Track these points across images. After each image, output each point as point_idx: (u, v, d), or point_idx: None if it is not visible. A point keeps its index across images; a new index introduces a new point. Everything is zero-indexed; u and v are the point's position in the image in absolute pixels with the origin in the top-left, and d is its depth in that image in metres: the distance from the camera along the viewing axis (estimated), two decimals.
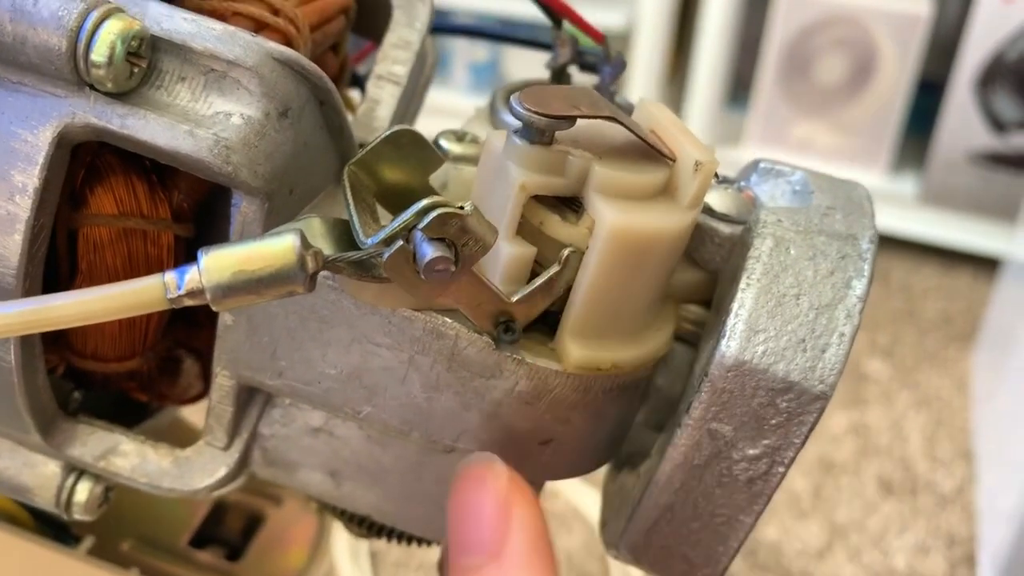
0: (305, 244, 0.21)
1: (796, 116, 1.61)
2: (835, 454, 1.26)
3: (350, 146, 0.27)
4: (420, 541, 0.31)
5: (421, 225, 0.21)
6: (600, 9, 1.54)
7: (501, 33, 0.35)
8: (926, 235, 1.60)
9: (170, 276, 0.20)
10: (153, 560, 0.37)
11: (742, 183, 0.28)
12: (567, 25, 0.32)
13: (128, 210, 0.25)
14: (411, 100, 0.32)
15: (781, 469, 0.25)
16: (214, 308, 0.20)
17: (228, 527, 0.40)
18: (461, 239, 0.21)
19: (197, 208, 0.26)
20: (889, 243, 1.65)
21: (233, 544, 0.39)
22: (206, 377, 0.31)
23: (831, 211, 0.26)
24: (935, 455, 1.28)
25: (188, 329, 0.30)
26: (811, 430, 0.24)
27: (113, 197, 0.25)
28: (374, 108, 0.30)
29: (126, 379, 0.28)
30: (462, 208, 0.21)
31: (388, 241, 0.21)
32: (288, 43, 0.26)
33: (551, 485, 1.17)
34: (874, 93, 1.56)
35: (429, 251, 0.21)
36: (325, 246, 0.22)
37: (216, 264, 0.20)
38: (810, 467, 1.23)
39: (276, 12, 0.26)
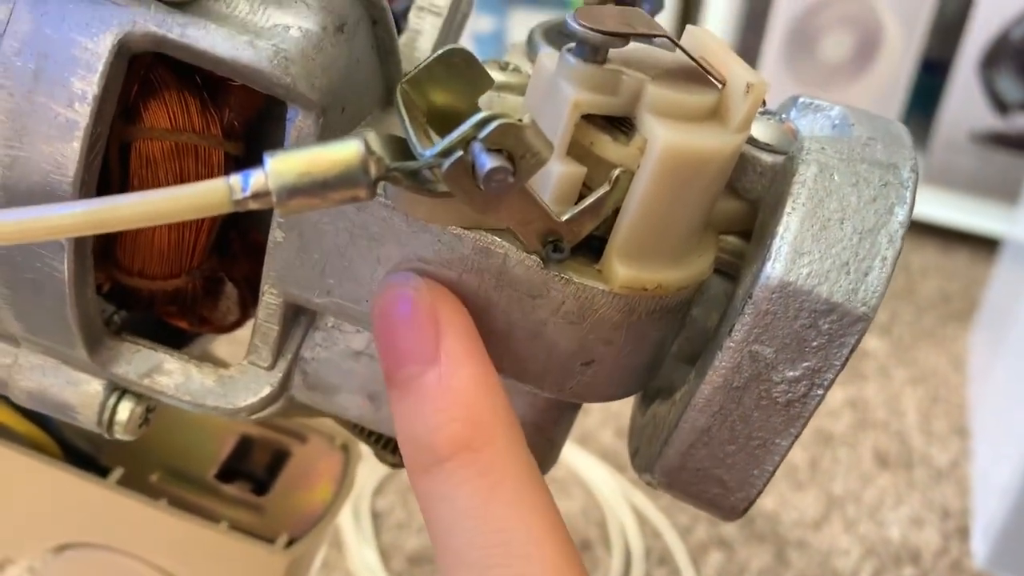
0: (368, 150, 0.21)
1: (801, 91, 1.61)
2: (832, 427, 1.27)
3: (397, 71, 0.27)
4: None
5: (480, 136, 0.21)
6: None
7: None
8: (927, 214, 1.61)
9: (235, 179, 0.21)
10: (181, 491, 0.38)
11: (782, 115, 0.29)
12: None
13: (181, 125, 0.25)
14: (449, 33, 0.32)
15: (820, 391, 0.25)
16: (278, 210, 0.21)
17: (254, 462, 0.40)
18: (519, 151, 0.21)
19: (245, 128, 0.27)
20: None
21: (259, 479, 0.40)
22: (243, 305, 0.31)
23: (872, 141, 0.26)
24: (931, 430, 1.29)
25: (224, 260, 0.30)
26: (851, 352, 0.25)
27: (167, 112, 0.25)
28: (415, 39, 0.30)
29: (169, 300, 0.28)
30: (520, 120, 0.21)
31: (446, 152, 0.22)
32: None
33: None
34: (878, 71, 1.56)
35: (488, 161, 0.21)
36: (384, 157, 0.22)
37: (282, 166, 0.20)
38: (807, 440, 1.24)
39: None
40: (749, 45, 1.68)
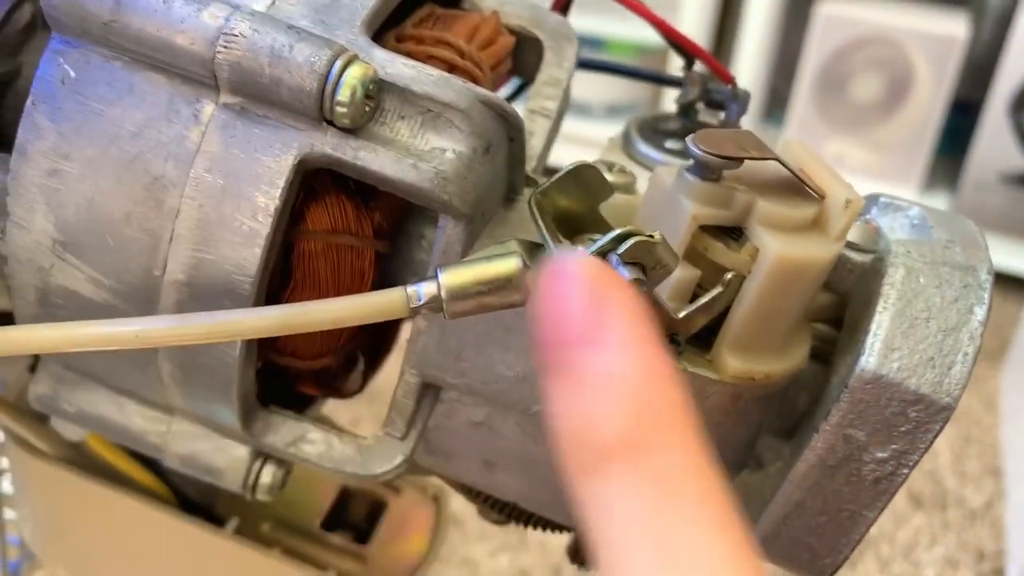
0: (525, 265, 0.24)
1: (831, 133, 1.64)
2: None
3: (518, 175, 0.31)
4: (556, 528, 0.35)
5: (620, 250, 0.24)
6: (638, 25, 1.57)
7: (635, 71, 0.39)
8: None
9: (411, 289, 0.24)
10: (291, 540, 0.41)
11: (866, 216, 0.32)
12: (698, 65, 0.36)
13: (339, 227, 0.28)
14: (555, 132, 0.35)
15: (905, 471, 0.28)
16: (447, 316, 0.24)
17: (354, 512, 0.43)
18: (650, 263, 0.25)
19: (392, 229, 0.30)
20: None
21: (359, 528, 0.43)
22: (365, 376, 0.35)
23: (951, 244, 0.29)
24: (964, 471, 1.30)
25: (362, 335, 0.33)
26: (935, 437, 0.27)
27: (328, 215, 0.28)
28: (528, 139, 0.33)
29: (312, 375, 0.32)
30: (651, 236, 0.24)
31: None
32: (475, 82, 0.29)
33: None
34: (909, 112, 1.59)
35: (625, 273, 0.24)
36: (534, 268, 0.25)
37: (453, 280, 0.24)
38: None
39: (463, 55, 0.30)
40: (780, 87, 1.71)
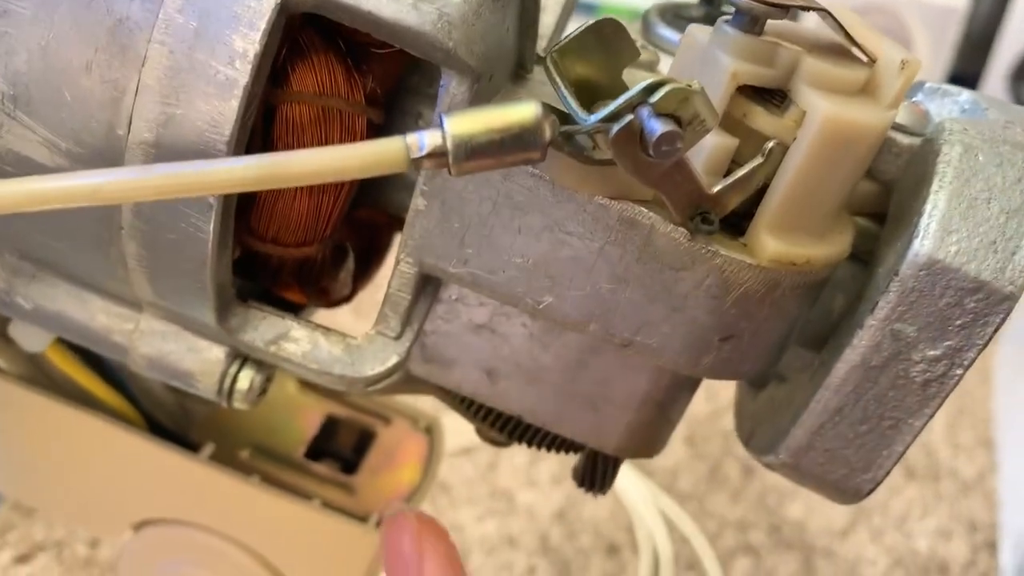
0: (545, 112, 0.21)
1: None
2: None
3: (532, 44, 0.28)
4: (560, 446, 0.32)
5: (652, 100, 0.21)
6: None
7: None
8: None
9: (412, 138, 0.21)
10: (272, 468, 0.38)
11: (912, 99, 0.29)
12: None
13: (328, 90, 0.25)
14: (570, 10, 0.32)
15: (959, 371, 0.25)
16: (453, 171, 0.21)
17: (340, 442, 0.40)
18: (687, 117, 0.21)
19: (386, 97, 0.27)
20: None
21: (346, 459, 0.40)
22: (356, 280, 0.31)
23: (1010, 124, 0.26)
24: (957, 442, 1.29)
25: (350, 230, 0.30)
26: (995, 331, 0.24)
27: (314, 76, 0.25)
28: (541, 14, 0.30)
29: (296, 269, 0.28)
30: (690, 85, 0.21)
31: (613, 117, 0.22)
32: None
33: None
34: None
35: (659, 127, 0.21)
36: (556, 120, 0.22)
37: (461, 127, 0.20)
38: None
39: None
40: None
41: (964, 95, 0.28)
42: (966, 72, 1.57)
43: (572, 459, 0.33)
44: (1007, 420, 1.28)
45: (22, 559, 0.93)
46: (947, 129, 0.26)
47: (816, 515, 1.14)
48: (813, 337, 0.29)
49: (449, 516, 1.05)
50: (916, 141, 0.27)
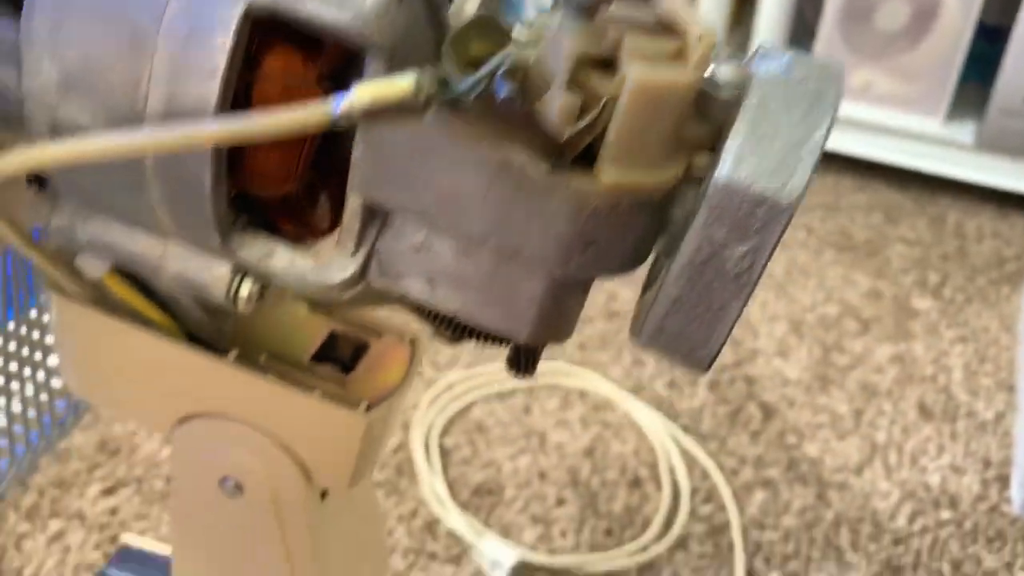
0: (419, 80, 0.30)
1: (857, 62, 1.65)
2: (878, 382, 1.33)
3: (444, 34, 0.36)
4: (490, 339, 0.41)
5: (499, 71, 0.30)
6: None
7: None
8: (982, 179, 1.64)
9: (330, 101, 0.30)
10: (283, 368, 0.48)
11: (744, 62, 0.37)
12: None
13: (289, 72, 0.34)
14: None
15: (760, 264, 0.34)
16: (359, 124, 0.30)
17: (340, 351, 0.50)
18: (526, 81, 0.30)
19: (335, 77, 0.36)
20: (946, 188, 1.70)
21: (345, 363, 0.50)
22: (334, 214, 0.41)
23: (806, 79, 0.35)
24: (977, 386, 1.34)
25: (319, 176, 0.40)
26: (782, 233, 0.33)
27: (279, 63, 0.34)
28: (462, 6, 0.39)
29: (280, 205, 0.38)
30: (527, 60, 0.30)
31: (476, 83, 0.31)
32: None
33: (609, 400, 1.25)
34: (935, 39, 1.60)
35: (504, 88, 0.30)
36: (432, 87, 0.31)
37: (362, 92, 0.30)
38: (853, 391, 1.30)
39: None
40: (806, 16, 1.72)
41: (785, 57, 0.36)
42: (994, 26, 1.60)
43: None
44: None
45: (108, 492, 1.06)
46: (754, 84, 0.34)
47: (832, 453, 1.21)
48: (668, 249, 0.38)
49: (485, 455, 1.15)
50: (735, 94, 0.35)
